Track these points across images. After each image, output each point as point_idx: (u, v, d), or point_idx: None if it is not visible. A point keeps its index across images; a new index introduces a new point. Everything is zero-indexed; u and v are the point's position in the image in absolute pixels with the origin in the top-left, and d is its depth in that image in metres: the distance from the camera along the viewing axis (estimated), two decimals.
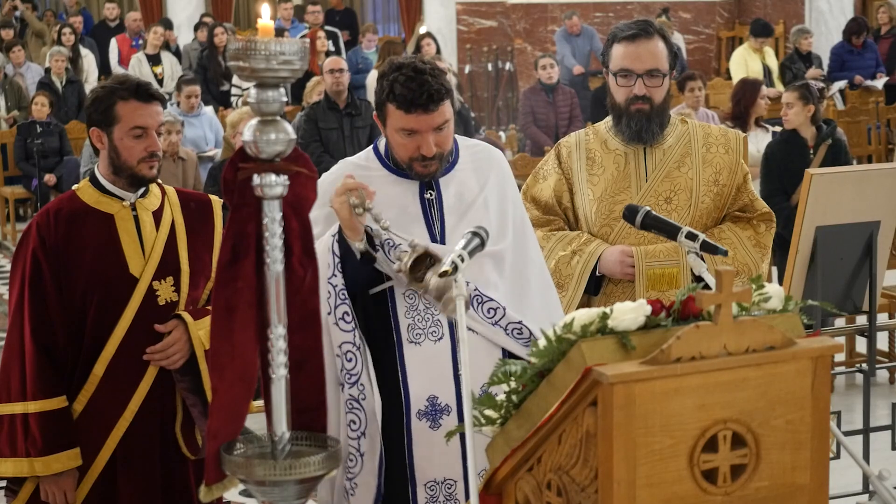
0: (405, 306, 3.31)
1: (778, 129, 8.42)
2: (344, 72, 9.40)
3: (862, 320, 5.86)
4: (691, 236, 3.30)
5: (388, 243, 3.25)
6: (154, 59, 13.61)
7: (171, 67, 13.66)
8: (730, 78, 13.94)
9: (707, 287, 2.82)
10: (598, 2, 16.50)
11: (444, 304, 2.90)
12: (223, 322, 2.47)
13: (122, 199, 3.60)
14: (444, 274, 2.85)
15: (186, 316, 3.57)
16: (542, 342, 2.47)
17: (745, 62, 13.57)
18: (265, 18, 2.38)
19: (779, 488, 2.46)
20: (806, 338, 2.51)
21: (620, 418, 2.31)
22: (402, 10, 17.27)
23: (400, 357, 3.30)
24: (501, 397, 2.57)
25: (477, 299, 3.31)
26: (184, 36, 15.24)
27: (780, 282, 5.30)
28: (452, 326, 3.29)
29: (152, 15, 15.71)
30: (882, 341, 7.14)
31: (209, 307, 3.50)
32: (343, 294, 3.26)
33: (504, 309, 3.33)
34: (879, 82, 13.71)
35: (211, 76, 13.28)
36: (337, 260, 3.24)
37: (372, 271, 3.28)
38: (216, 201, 3.74)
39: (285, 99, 2.41)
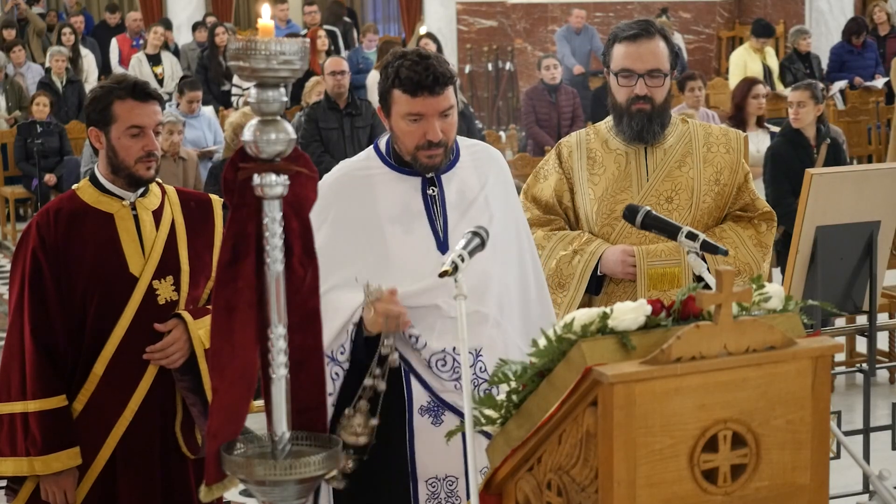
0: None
1: (776, 129, 8.41)
2: (345, 73, 9.39)
3: (862, 320, 5.86)
4: (691, 236, 3.30)
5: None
6: (154, 59, 13.62)
7: (171, 67, 13.67)
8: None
9: (707, 287, 2.82)
10: (598, 2, 16.50)
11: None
12: (223, 322, 2.47)
13: (122, 199, 3.60)
14: (443, 274, 2.85)
15: (186, 315, 3.57)
16: (542, 342, 2.47)
17: (745, 62, 13.56)
18: (265, 18, 2.38)
19: (779, 488, 2.46)
20: (806, 338, 2.52)
21: (621, 418, 2.31)
22: (402, 10, 17.27)
23: (402, 354, 3.30)
24: (502, 397, 2.57)
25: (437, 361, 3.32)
26: (184, 36, 15.25)
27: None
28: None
29: (152, 15, 15.71)
30: (882, 341, 7.14)
31: (209, 307, 3.50)
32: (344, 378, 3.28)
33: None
34: (879, 82, 13.71)
35: (212, 76, 13.28)
36: (352, 345, 3.25)
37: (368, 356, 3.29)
38: (216, 201, 3.74)
39: (285, 99, 2.41)
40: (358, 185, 3.37)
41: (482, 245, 2.97)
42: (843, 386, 7.17)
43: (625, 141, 3.94)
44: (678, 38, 15.38)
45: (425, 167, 3.34)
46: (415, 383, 3.30)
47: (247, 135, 2.39)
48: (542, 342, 2.47)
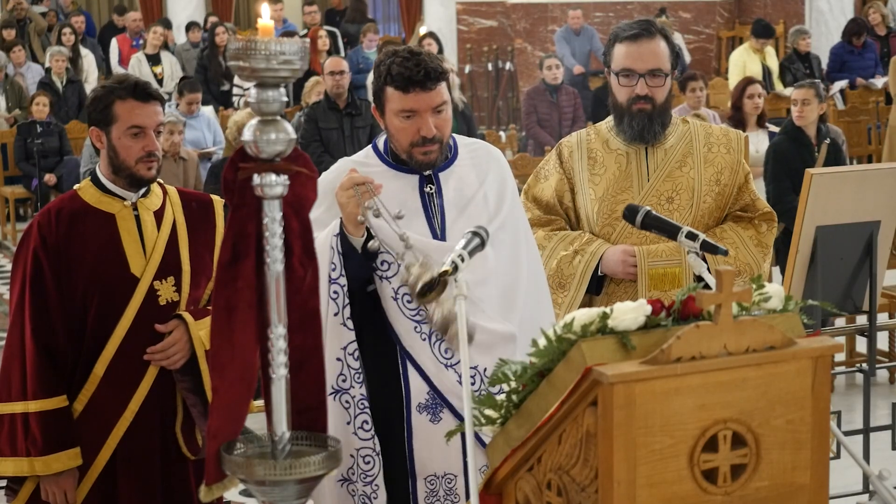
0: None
1: (775, 129, 8.42)
2: (344, 73, 9.39)
3: (862, 320, 5.86)
4: (691, 236, 3.30)
5: (384, 243, 3.24)
6: (154, 59, 13.62)
7: (170, 67, 13.67)
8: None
9: (707, 287, 2.82)
10: (597, 1, 16.50)
11: (448, 339, 2.90)
12: (223, 322, 2.47)
13: (124, 199, 3.60)
14: (444, 274, 2.85)
15: (187, 316, 3.56)
16: (542, 342, 2.47)
17: (744, 63, 13.56)
18: (265, 18, 2.38)
19: (779, 488, 2.46)
20: (806, 338, 2.52)
21: (620, 418, 2.31)
22: (402, 10, 17.27)
23: (401, 350, 3.30)
24: (501, 397, 2.57)
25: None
26: (184, 36, 15.26)
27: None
28: None
29: (152, 15, 15.71)
30: (882, 341, 7.13)
31: (210, 307, 3.50)
32: (348, 294, 3.27)
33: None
34: (879, 82, 13.71)
35: (211, 76, 13.28)
36: (341, 258, 3.24)
37: (371, 268, 3.28)
38: (217, 201, 3.74)
39: (286, 99, 2.41)
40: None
41: (482, 245, 2.98)
42: (843, 386, 7.17)
43: (625, 141, 3.94)
44: (679, 39, 15.38)
45: (421, 164, 3.35)
46: (412, 378, 3.30)
47: (246, 135, 2.39)
48: (542, 342, 2.47)
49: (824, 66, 14.19)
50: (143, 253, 3.57)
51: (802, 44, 13.82)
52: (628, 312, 2.43)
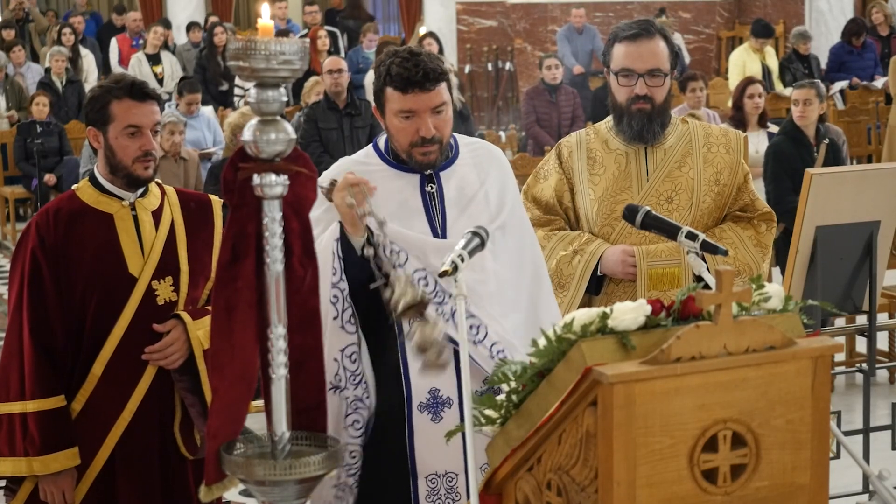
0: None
1: (775, 128, 8.42)
2: (343, 72, 9.40)
3: (862, 320, 5.86)
4: (691, 236, 3.30)
5: (384, 248, 3.24)
6: (154, 59, 13.62)
7: (170, 67, 13.66)
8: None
9: (707, 287, 2.82)
10: (598, 1, 16.50)
11: (424, 364, 2.87)
12: (223, 322, 2.47)
13: (122, 199, 3.59)
14: (443, 274, 2.85)
15: (185, 316, 3.56)
16: (542, 342, 2.47)
17: (744, 62, 13.57)
18: (265, 18, 2.38)
19: (779, 488, 2.46)
20: (806, 338, 2.51)
21: (620, 418, 2.31)
22: (402, 10, 17.27)
23: (402, 348, 3.31)
24: (501, 397, 2.57)
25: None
26: (184, 36, 15.26)
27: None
28: (455, 319, 3.30)
29: (152, 15, 15.71)
30: (882, 341, 7.13)
31: (208, 307, 3.50)
32: (349, 297, 3.27)
33: (486, 328, 3.32)
34: (879, 82, 13.71)
35: (210, 76, 13.28)
36: (341, 263, 3.24)
37: (369, 269, 3.28)
38: (216, 201, 3.74)
39: (286, 99, 2.41)
40: None
41: (482, 245, 2.98)
42: (843, 386, 7.17)
43: (625, 141, 3.94)
44: (678, 39, 15.38)
45: (421, 164, 3.36)
46: (413, 377, 3.30)
47: (247, 135, 2.39)
48: (542, 342, 2.47)
49: (824, 66, 14.19)
50: (142, 253, 3.57)
51: (802, 47, 13.83)
52: (628, 312, 2.43)
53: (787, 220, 6.52)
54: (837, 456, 4.68)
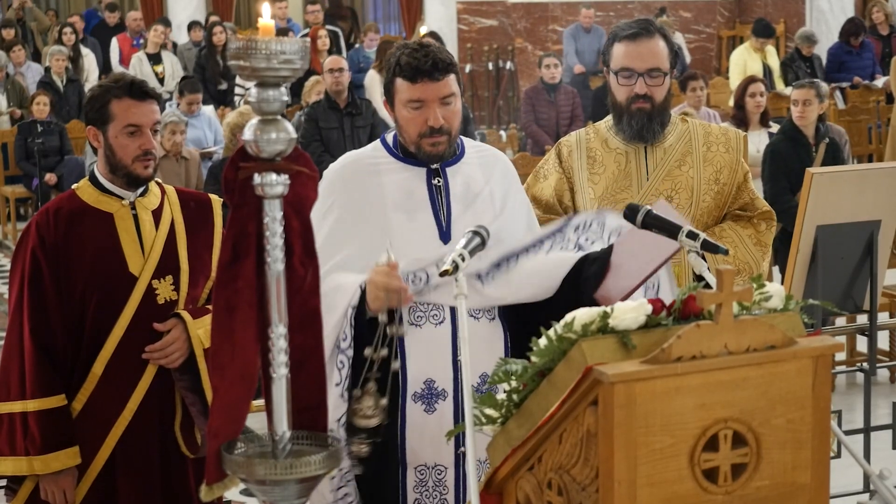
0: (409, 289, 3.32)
1: (776, 127, 8.42)
2: (344, 71, 9.41)
3: (863, 319, 5.86)
4: (692, 235, 3.30)
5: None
6: (154, 59, 13.62)
7: (171, 66, 13.66)
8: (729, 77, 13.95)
9: (708, 286, 2.82)
10: (598, 1, 16.50)
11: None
12: (224, 321, 2.47)
13: (122, 198, 3.60)
14: (444, 273, 2.85)
15: (185, 315, 3.56)
16: (542, 341, 2.47)
17: (745, 62, 13.56)
18: (266, 18, 2.38)
19: (779, 487, 2.46)
20: (807, 337, 2.51)
21: (621, 417, 2.31)
22: (402, 10, 17.27)
23: (398, 338, 3.31)
24: (502, 396, 2.57)
25: (487, 275, 3.31)
26: (184, 36, 15.26)
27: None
28: (454, 312, 3.31)
29: (153, 15, 15.70)
30: (883, 340, 7.13)
31: (209, 306, 3.50)
32: (350, 365, 3.27)
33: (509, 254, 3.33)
34: (879, 82, 13.70)
35: (209, 75, 13.27)
36: (352, 331, 3.24)
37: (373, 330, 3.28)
38: (216, 200, 3.74)
39: (286, 98, 2.41)
40: (364, 173, 3.42)
41: (483, 244, 2.98)
42: (844, 385, 7.17)
43: (625, 140, 3.94)
44: (679, 38, 15.39)
45: (429, 155, 3.37)
46: (409, 367, 3.30)
47: (247, 134, 2.39)
48: (543, 341, 2.47)
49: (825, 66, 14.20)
50: (142, 252, 3.57)
51: (807, 49, 13.83)
52: (629, 312, 2.43)
53: (784, 219, 6.52)
54: (838, 455, 4.68)
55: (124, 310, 3.53)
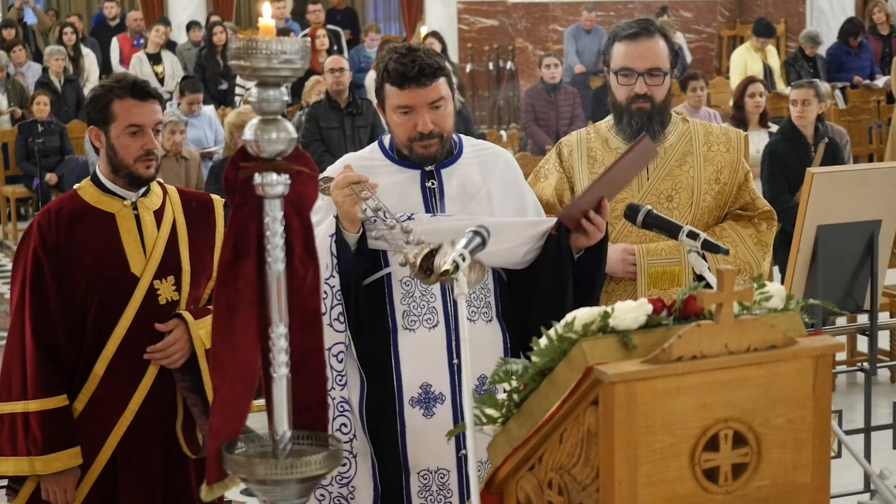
0: (401, 293, 3.33)
1: (775, 127, 8.42)
2: (344, 71, 9.41)
3: (863, 319, 5.86)
4: (692, 235, 3.30)
5: (380, 221, 3.22)
6: (155, 58, 13.62)
7: (171, 66, 13.67)
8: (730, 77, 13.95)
9: (708, 286, 2.82)
10: (598, 1, 16.50)
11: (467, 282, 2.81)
12: (224, 321, 2.47)
13: (123, 199, 3.60)
14: (444, 273, 2.84)
15: (187, 315, 3.57)
16: (543, 341, 2.47)
17: (745, 62, 13.56)
18: (266, 17, 2.38)
19: (780, 487, 2.46)
20: (807, 337, 2.51)
21: (622, 417, 2.31)
22: (403, 10, 17.27)
23: (394, 344, 3.31)
24: (502, 396, 2.57)
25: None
26: (183, 35, 15.25)
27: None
28: (448, 314, 3.31)
29: (153, 14, 15.70)
30: (883, 340, 7.14)
31: (210, 306, 3.50)
32: (339, 295, 3.27)
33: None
34: (880, 81, 13.70)
35: (209, 75, 13.28)
36: (335, 260, 3.25)
37: (366, 261, 3.29)
38: (217, 200, 3.75)
39: (287, 98, 2.41)
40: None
41: (483, 244, 2.98)
42: (845, 385, 7.17)
43: (625, 140, 3.94)
44: (680, 38, 15.39)
45: (421, 158, 3.38)
46: (405, 372, 3.30)
47: (248, 134, 2.39)
48: (543, 341, 2.47)
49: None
50: (143, 252, 3.57)
51: (810, 50, 13.83)
52: (629, 311, 2.43)
53: (782, 220, 6.50)
54: (839, 455, 4.68)
55: (126, 310, 3.53)
